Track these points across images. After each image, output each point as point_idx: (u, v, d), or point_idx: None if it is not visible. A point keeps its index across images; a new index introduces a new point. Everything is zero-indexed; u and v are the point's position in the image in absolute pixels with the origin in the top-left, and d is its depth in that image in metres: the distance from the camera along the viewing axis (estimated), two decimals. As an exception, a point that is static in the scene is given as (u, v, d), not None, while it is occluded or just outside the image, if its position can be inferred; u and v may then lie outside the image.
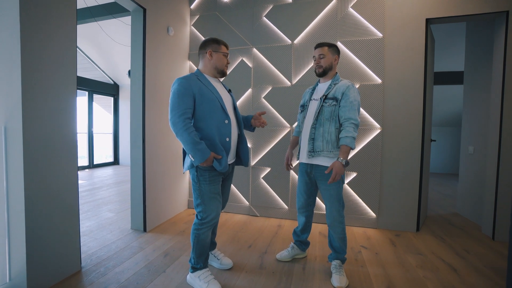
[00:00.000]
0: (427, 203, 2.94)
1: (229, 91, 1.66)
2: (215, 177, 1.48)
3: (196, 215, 1.52)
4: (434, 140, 3.22)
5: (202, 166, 1.43)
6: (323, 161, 1.59)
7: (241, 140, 1.62)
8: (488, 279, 1.67)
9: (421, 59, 2.38)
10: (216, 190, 1.50)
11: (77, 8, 1.73)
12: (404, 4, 2.40)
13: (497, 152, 2.26)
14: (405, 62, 2.42)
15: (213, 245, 1.80)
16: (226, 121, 1.49)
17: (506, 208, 2.22)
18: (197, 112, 1.45)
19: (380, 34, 2.45)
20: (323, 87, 1.68)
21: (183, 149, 1.52)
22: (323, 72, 1.66)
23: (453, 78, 4.79)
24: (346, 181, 2.57)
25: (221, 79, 1.86)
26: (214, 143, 1.44)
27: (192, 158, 1.39)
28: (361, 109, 2.51)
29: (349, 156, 2.53)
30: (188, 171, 1.54)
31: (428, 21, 2.38)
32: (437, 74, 4.64)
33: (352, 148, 1.50)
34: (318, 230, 2.46)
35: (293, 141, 1.93)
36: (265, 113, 1.93)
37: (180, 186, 2.92)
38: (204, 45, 1.55)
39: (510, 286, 0.93)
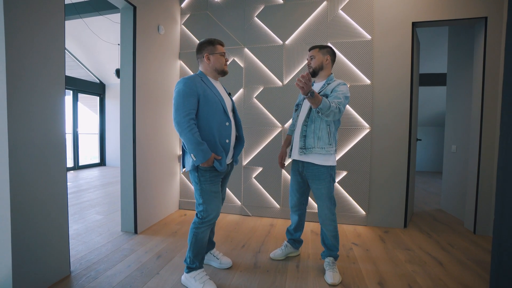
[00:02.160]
0: (413, 200, 3.05)
1: (229, 94, 1.70)
2: (215, 177, 1.52)
3: (197, 214, 1.54)
4: (420, 139, 3.34)
5: (203, 167, 1.47)
6: (315, 158, 1.62)
7: (238, 141, 1.68)
8: (471, 271, 1.76)
9: (408, 61, 2.47)
10: (216, 189, 1.54)
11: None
12: (392, 7, 2.48)
13: (478, 151, 2.38)
14: (392, 64, 2.50)
15: (212, 244, 1.80)
16: (227, 123, 1.54)
17: (486, 204, 2.34)
18: (200, 113, 1.48)
19: (369, 36, 2.51)
20: (317, 86, 1.72)
21: (182, 148, 1.55)
22: (313, 73, 1.71)
23: (436, 79, 4.98)
24: (337, 179, 2.62)
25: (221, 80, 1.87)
26: (215, 144, 1.49)
27: (194, 158, 1.42)
28: (351, 109, 2.57)
29: (339, 155, 2.59)
30: (185, 170, 1.57)
31: (414, 25, 2.47)
32: (421, 75, 4.82)
33: (322, 108, 1.40)
34: (310, 228, 2.50)
35: (287, 140, 1.95)
36: None
37: (171, 186, 2.88)
38: (200, 49, 1.58)
39: (493, 277, 0.99)
